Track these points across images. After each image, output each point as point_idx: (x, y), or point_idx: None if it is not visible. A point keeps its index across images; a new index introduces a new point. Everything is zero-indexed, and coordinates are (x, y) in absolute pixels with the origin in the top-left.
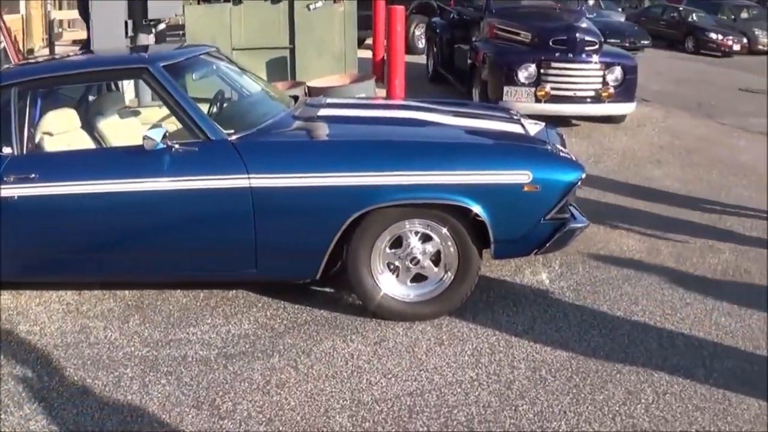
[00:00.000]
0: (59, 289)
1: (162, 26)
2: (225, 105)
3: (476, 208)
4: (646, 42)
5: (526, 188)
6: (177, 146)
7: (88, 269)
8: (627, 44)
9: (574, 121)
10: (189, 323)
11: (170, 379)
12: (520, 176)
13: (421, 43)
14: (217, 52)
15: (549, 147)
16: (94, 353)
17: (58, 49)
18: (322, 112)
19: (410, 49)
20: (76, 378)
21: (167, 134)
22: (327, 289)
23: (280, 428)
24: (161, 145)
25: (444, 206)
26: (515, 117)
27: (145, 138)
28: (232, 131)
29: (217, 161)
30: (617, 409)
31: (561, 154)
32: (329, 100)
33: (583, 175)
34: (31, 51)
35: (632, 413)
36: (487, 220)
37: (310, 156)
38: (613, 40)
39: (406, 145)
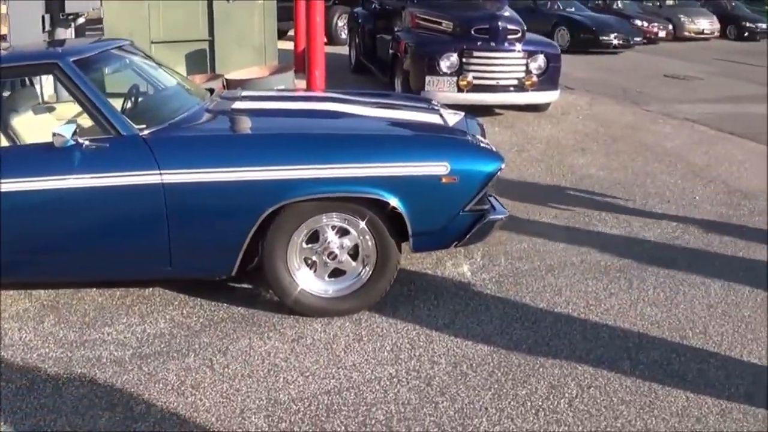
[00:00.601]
0: None
1: (81, 20)
2: (139, 99)
3: (393, 201)
4: (637, 39)
5: (443, 180)
6: (87, 143)
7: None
8: (621, 41)
9: (497, 110)
10: (104, 323)
11: (84, 381)
12: (438, 167)
13: (344, 34)
14: (132, 46)
15: (467, 137)
16: (8, 355)
17: None
18: (237, 105)
19: (333, 39)
20: None
21: (77, 130)
22: (245, 286)
23: (194, 430)
24: (71, 142)
25: (361, 199)
26: (434, 107)
27: (54, 135)
28: (144, 126)
29: (128, 157)
30: (540, 404)
31: (480, 144)
32: (245, 93)
33: (503, 166)
34: None
35: (555, 408)
36: (405, 213)
37: (223, 150)
38: (603, 38)
39: (321, 138)
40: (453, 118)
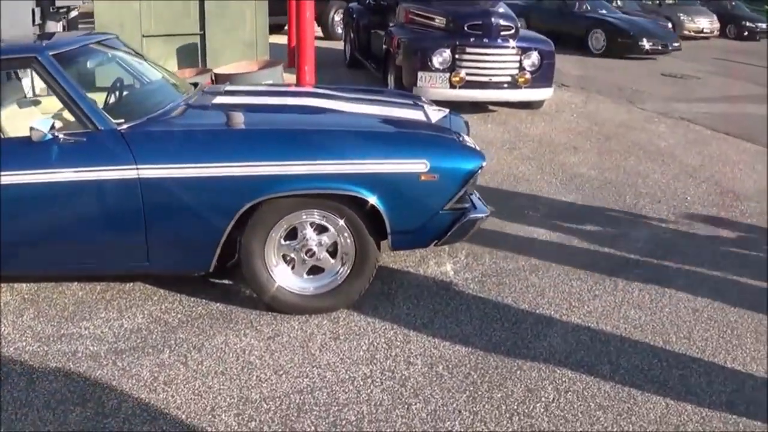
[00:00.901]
0: None
1: (74, 14)
2: (121, 94)
3: (372, 199)
4: (676, 44)
5: (423, 177)
6: (65, 137)
7: None
8: (659, 47)
9: (491, 107)
10: (83, 317)
11: (58, 376)
12: (417, 165)
13: (341, 29)
14: (116, 40)
15: (448, 135)
16: None
17: None
18: (218, 100)
19: (330, 34)
20: None
21: (55, 125)
22: (225, 282)
23: (164, 427)
24: (49, 136)
25: (339, 197)
26: (418, 104)
27: (32, 129)
28: (122, 120)
29: (106, 152)
30: (515, 407)
31: (461, 141)
32: (228, 88)
33: (484, 164)
34: None
35: (531, 412)
36: (383, 211)
37: (200, 145)
38: (642, 43)
39: (300, 134)
40: (437, 114)
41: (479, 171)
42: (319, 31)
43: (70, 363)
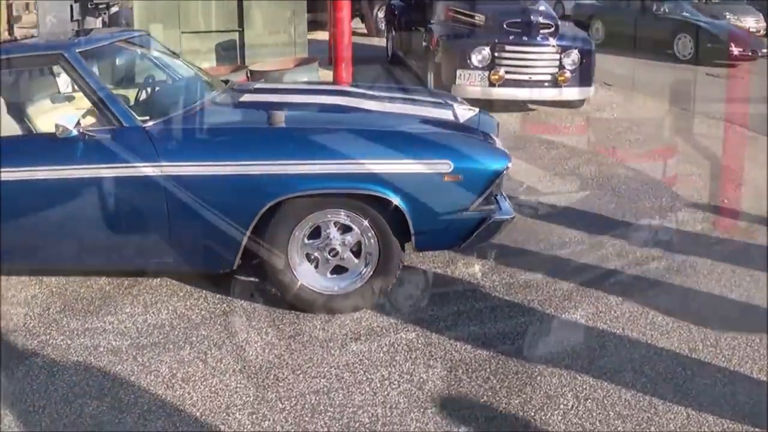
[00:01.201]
0: None
1: (115, 9)
2: (149, 91)
3: (396, 200)
4: (765, 51)
5: (447, 178)
6: (90, 133)
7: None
8: (749, 53)
9: (531, 106)
10: (108, 312)
11: (78, 370)
12: (441, 165)
13: (384, 25)
14: (146, 38)
15: (474, 135)
16: (10, 341)
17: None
18: (246, 98)
19: (376, 31)
20: None
21: (80, 121)
22: (251, 279)
23: (178, 424)
24: (74, 132)
25: (362, 196)
26: (448, 103)
27: (57, 125)
28: (148, 117)
29: (130, 148)
30: (533, 414)
31: (486, 142)
32: (258, 86)
33: (509, 165)
34: None
35: (548, 420)
36: (407, 211)
37: (222, 143)
38: (732, 49)
39: (323, 133)
40: (466, 114)
41: (504, 172)
42: (363, 28)
43: (91, 357)
